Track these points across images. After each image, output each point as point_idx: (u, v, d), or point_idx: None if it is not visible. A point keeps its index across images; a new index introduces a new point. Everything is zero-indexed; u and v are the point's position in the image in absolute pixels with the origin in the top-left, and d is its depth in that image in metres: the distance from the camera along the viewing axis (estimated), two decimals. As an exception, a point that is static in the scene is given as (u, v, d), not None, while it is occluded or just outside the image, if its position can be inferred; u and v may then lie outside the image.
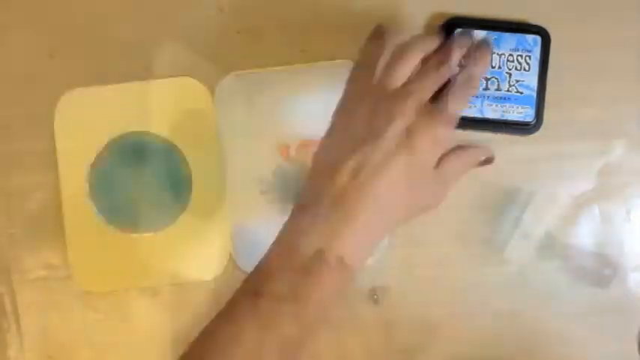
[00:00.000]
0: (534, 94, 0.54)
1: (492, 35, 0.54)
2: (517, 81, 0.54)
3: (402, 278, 0.56)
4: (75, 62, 0.56)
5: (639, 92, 0.57)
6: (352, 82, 0.51)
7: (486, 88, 0.54)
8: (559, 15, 0.56)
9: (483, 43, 0.54)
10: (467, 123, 0.54)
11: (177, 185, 0.56)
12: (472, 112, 0.54)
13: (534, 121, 0.54)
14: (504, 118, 0.54)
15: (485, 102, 0.54)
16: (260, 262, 0.46)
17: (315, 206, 0.46)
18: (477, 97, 0.54)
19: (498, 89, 0.54)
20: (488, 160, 0.54)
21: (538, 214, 0.57)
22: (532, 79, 0.54)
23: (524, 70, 0.54)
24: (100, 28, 0.56)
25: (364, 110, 0.48)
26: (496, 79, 0.54)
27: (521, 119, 0.54)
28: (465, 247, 0.56)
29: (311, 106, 0.56)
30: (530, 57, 0.54)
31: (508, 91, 0.54)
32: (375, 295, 0.56)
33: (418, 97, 0.48)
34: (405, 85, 0.49)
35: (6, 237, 0.56)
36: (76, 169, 0.56)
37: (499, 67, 0.54)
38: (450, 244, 0.56)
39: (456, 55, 0.51)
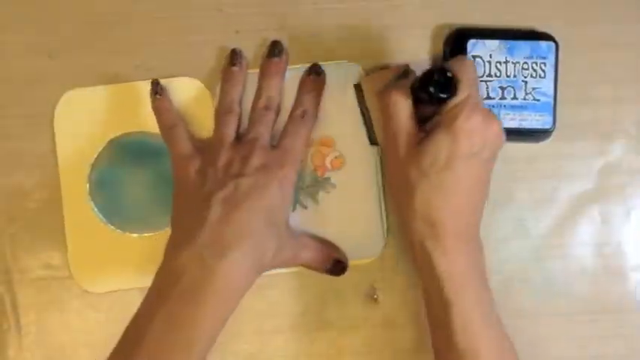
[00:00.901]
0: (551, 101, 0.54)
1: (506, 44, 0.54)
2: (533, 88, 0.54)
3: (402, 278, 0.56)
4: (75, 62, 0.56)
5: (639, 92, 0.57)
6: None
7: (503, 98, 0.54)
8: (558, 17, 0.56)
9: (313, 73, 0.55)
10: None
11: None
12: None
13: (552, 127, 0.54)
14: (522, 126, 0.54)
15: (503, 112, 0.54)
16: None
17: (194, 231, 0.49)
18: (493, 106, 0.54)
19: (515, 98, 0.54)
20: (339, 270, 0.55)
21: (538, 214, 0.57)
22: (548, 86, 0.54)
23: (540, 77, 0.54)
24: (100, 28, 0.56)
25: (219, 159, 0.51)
26: (512, 88, 0.54)
27: (540, 127, 0.54)
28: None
29: None
30: (545, 64, 0.54)
31: (525, 99, 0.54)
32: (375, 295, 0.56)
33: (260, 142, 0.52)
34: (244, 135, 0.53)
35: (6, 237, 0.56)
36: (76, 168, 0.55)
37: (514, 76, 0.54)
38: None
39: (277, 91, 0.54)
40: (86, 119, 0.56)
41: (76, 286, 0.56)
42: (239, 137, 0.53)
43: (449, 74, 0.46)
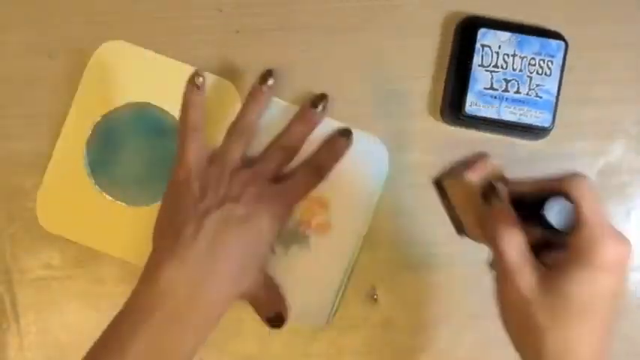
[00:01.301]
0: (553, 100, 0.54)
1: (516, 37, 0.54)
2: (537, 85, 0.54)
3: (402, 278, 0.56)
4: (75, 62, 0.56)
5: (639, 92, 0.57)
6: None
7: (506, 90, 0.54)
8: (558, 16, 0.56)
9: (342, 137, 0.55)
10: (482, 123, 0.54)
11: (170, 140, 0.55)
12: (489, 113, 0.54)
13: (551, 126, 0.54)
14: (521, 121, 0.54)
15: (504, 104, 0.54)
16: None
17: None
18: (495, 97, 0.54)
19: (518, 92, 0.54)
20: (277, 322, 0.54)
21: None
22: (552, 85, 0.54)
23: (546, 74, 0.54)
24: (100, 28, 0.56)
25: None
26: (516, 81, 0.54)
27: (538, 124, 0.54)
28: (465, 246, 0.56)
29: None
30: (552, 62, 0.54)
31: (527, 94, 0.54)
32: (375, 295, 0.56)
33: (263, 175, 0.52)
34: (253, 162, 0.52)
35: (6, 237, 0.56)
36: (85, 116, 0.55)
37: (520, 70, 0.54)
38: (450, 243, 0.56)
39: (302, 140, 0.54)
40: (117, 74, 0.55)
41: (76, 286, 0.56)
42: (245, 159, 0.53)
43: (566, 202, 0.41)
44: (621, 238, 0.42)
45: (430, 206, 0.56)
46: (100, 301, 0.56)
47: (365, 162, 0.55)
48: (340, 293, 0.55)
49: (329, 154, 0.55)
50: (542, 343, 0.42)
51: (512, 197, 0.45)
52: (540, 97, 0.54)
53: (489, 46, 0.54)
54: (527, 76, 0.54)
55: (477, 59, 0.54)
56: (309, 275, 0.55)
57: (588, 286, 0.41)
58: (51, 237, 0.56)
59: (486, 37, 0.54)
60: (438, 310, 0.56)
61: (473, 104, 0.54)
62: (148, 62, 0.56)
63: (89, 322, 0.56)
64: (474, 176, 0.51)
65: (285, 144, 0.54)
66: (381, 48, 0.56)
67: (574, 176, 0.43)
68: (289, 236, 0.55)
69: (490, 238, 0.45)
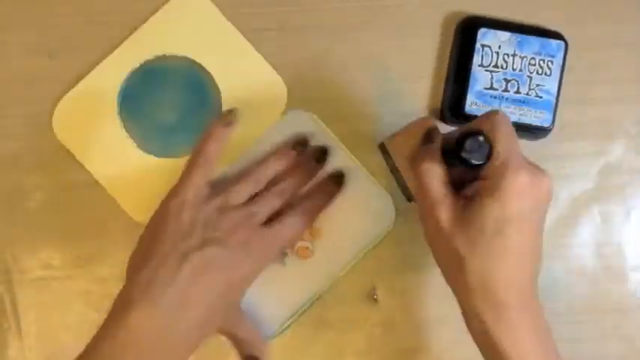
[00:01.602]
0: (553, 100, 0.54)
1: (516, 37, 0.54)
2: (537, 85, 0.54)
3: (402, 278, 0.56)
4: (75, 62, 0.56)
5: (639, 92, 0.57)
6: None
7: (506, 90, 0.54)
8: (558, 16, 0.56)
9: (332, 182, 0.54)
10: None
11: (205, 104, 0.56)
12: None
13: (551, 126, 0.54)
14: (521, 121, 0.54)
15: (504, 104, 0.54)
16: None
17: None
18: (495, 97, 0.54)
19: (517, 92, 0.54)
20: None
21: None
22: (552, 85, 0.54)
23: (546, 74, 0.54)
24: (100, 28, 0.56)
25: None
26: (516, 81, 0.54)
27: (538, 124, 0.54)
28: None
29: None
30: (552, 62, 0.54)
31: (527, 94, 0.54)
32: (375, 295, 0.56)
33: (255, 219, 0.51)
34: (246, 204, 0.51)
35: (6, 237, 0.56)
36: (136, 52, 0.56)
37: (520, 70, 0.54)
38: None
39: (299, 184, 0.54)
40: (182, 24, 0.56)
41: (76, 286, 0.56)
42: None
43: (481, 138, 0.42)
44: (534, 170, 0.44)
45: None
46: (100, 301, 0.56)
47: (369, 210, 0.55)
48: (296, 316, 0.55)
49: (319, 198, 0.54)
50: (463, 272, 0.44)
51: (444, 147, 0.47)
52: (540, 97, 0.54)
53: (489, 46, 0.54)
54: (527, 76, 0.54)
55: (477, 59, 0.54)
56: (274, 288, 0.54)
57: (498, 212, 0.43)
58: (51, 237, 0.56)
59: (486, 37, 0.54)
60: (438, 310, 0.56)
61: (473, 104, 0.54)
62: (214, 24, 0.55)
63: (89, 322, 0.56)
64: (415, 129, 0.51)
65: (285, 186, 0.53)
66: (381, 48, 0.56)
67: (488, 113, 0.46)
68: None
69: (415, 176, 0.47)
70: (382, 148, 0.53)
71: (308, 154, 0.55)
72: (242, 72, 0.56)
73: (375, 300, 0.56)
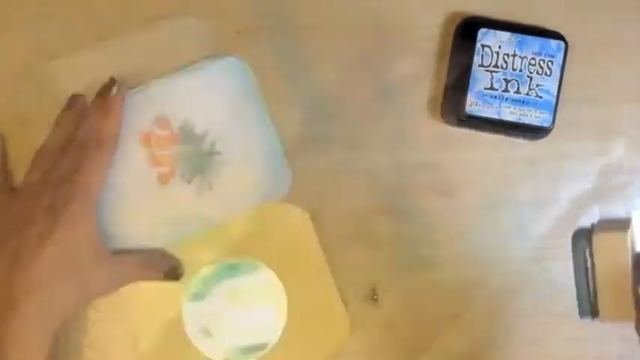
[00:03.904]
0: (553, 100, 0.54)
1: (516, 37, 0.54)
2: (537, 85, 0.54)
3: (402, 278, 0.56)
4: (75, 62, 0.56)
5: (639, 92, 0.57)
6: None
7: (506, 90, 0.54)
8: (558, 16, 0.56)
9: (109, 90, 0.51)
10: (482, 124, 0.54)
11: None
12: (489, 113, 0.54)
13: (551, 126, 0.54)
14: (521, 121, 0.54)
15: (504, 104, 0.54)
16: None
17: None
18: (495, 97, 0.54)
19: (517, 92, 0.54)
20: (174, 275, 0.52)
21: (538, 214, 0.57)
22: (552, 85, 0.54)
23: (546, 74, 0.54)
24: (100, 28, 0.56)
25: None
26: (516, 81, 0.54)
27: (538, 124, 0.54)
28: (465, 247, 0.56)
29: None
30: (552, 62, 0.54)
31: (527, 94, 0.54)
32: (375, 295, 0.56)
33: (50, 185, 0.48)
34: (44, 175, 0.49)
35: (6, 237, 0.56)
36: None
37: (520, 70, 0.54)
38: (450, 244, 0.56)
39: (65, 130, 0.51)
40: None
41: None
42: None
43: None
44: None
45: (430, 206, 0.56)
46: (100, 300, 0.56)
47: (225, 82, 0.54)
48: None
49: (101, 117, 0.50)
50: None
51: None
52: (540, 97, 0.54)
53: (489, 46, 0.54)
54: (528, 76, 0.54)
55: (477, 59, 0.54)
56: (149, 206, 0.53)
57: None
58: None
59: (486, 37, 0.54)
60: (439, 310, 0.56)
61: (473, 104, 0.54)
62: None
63: (89, 322, 0.56)
64: (626, 233, 0.48)
65: (82, 138, 0.50)
66: (381, 48, 0.56)
67: None
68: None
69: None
70: (578, 238, 0.51)
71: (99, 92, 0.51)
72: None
73: (375, 300, 0.56)
